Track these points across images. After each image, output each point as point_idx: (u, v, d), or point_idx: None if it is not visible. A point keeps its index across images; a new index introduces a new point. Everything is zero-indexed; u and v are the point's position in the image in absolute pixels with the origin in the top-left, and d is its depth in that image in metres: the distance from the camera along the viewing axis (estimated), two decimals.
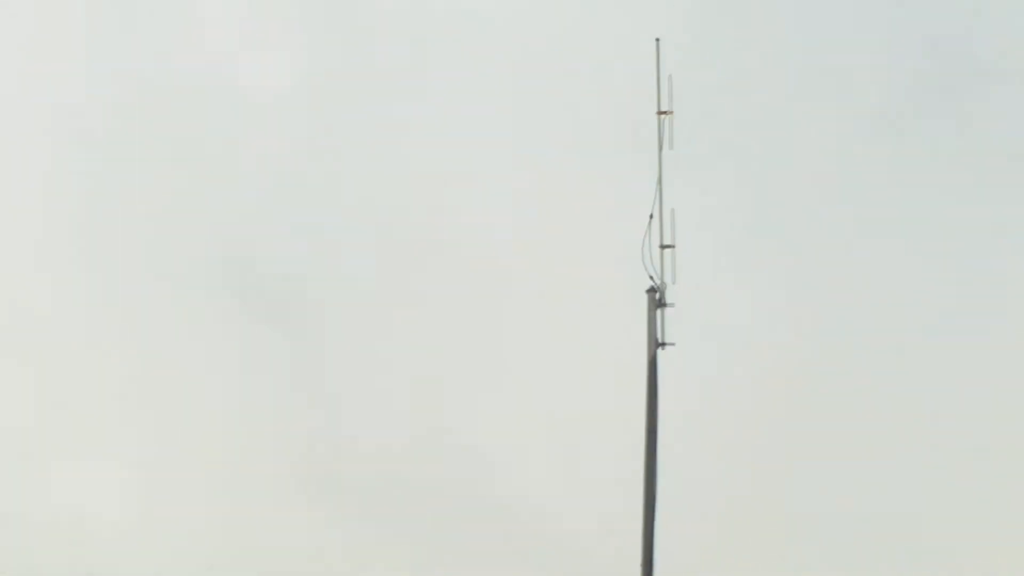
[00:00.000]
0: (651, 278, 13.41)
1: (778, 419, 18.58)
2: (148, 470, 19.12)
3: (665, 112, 13.68)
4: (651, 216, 13.51)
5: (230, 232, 20.56)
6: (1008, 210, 20.03)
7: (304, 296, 20.24)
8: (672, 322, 13.35)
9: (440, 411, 19.25)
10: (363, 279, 20.19)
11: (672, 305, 13.37)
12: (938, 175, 20.37)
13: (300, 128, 21.02)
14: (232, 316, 20.13)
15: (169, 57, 21.26)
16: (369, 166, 20.73)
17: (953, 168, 20.42)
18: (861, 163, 20.43)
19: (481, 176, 20.36)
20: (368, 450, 19.11)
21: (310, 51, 21.33)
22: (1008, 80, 20.92)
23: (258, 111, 21.01)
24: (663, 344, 13.33)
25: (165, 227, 20.55)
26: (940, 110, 20.85)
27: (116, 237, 20.56)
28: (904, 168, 20.44)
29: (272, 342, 19.98)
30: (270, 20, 21.56)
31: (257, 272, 20.36)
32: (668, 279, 13.40)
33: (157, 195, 20.69)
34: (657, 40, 13.81)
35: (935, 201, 20.19)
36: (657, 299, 13.38)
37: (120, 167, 20.78)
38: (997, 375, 18.85)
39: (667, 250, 13.45)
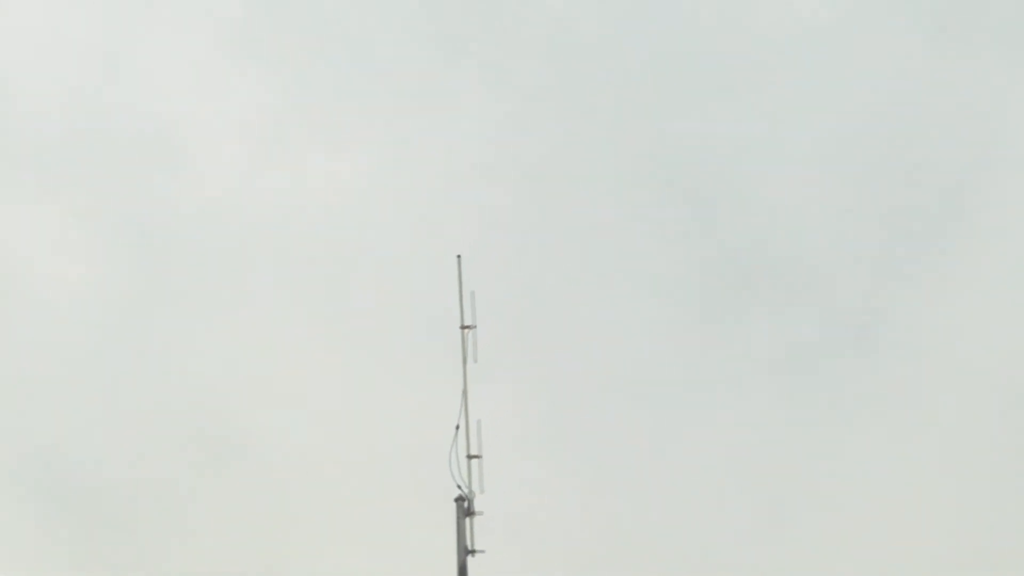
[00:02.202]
0: (459, 487, 13.70)
1: None
2: None
3: (468, 326, 14.11)
4: (457, 427, 13.85)
5: (30, 432, 20.33)
6: (814, 414, 20.50)
7: (102, 497, 19.96)
8: (481, 530, 13.65)
9: None
10: (169, 482, 20.00)
11: (481, 513, 13.65)
12: (738, 378, 20.85)
13: (104, 331, 21.02)
14: (31, 517, 19.80)
15: None
16: (176, 371, 20.75)
17: (755, 371, 20.92)
18: (660, 371, 20.83)
19: (290, 386, 20.44)
20: None
21: (110, 256, 21.46)
22: (804, 282, 21.54)
23: (57, 313, 21.03)
24: (472, 551, 13.58)
25: None
26: (736, 314, 21.35)
27: None
28: (705, 372, 20.88)
29: (71, 542, 19.63)
30: (68, 226, 21.66)
31: (57, 472, 20.06)
32: (476, 488, 13.70)
33: None
34: (458, 257, 14.32)
35: (736, 405, 20.60)
36: (465, 507, 13.66)
37: None
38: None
39: (474, 460, 13.75)
